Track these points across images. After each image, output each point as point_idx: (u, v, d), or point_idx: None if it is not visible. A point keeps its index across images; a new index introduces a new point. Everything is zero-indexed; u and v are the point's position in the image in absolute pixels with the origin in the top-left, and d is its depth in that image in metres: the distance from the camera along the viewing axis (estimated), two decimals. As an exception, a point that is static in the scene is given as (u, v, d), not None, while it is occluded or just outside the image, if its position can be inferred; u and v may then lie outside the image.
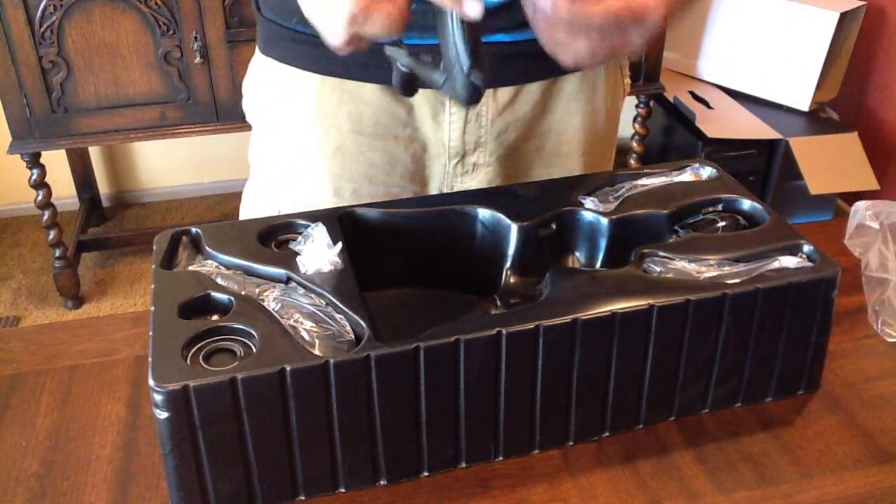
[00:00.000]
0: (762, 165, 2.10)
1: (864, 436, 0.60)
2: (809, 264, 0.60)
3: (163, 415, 0.49)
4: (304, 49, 0.74)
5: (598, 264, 0.66)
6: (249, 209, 0.84)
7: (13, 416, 0.62)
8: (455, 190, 0.79)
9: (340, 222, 0.63)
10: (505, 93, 0.75)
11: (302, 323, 0.53)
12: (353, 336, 0.53)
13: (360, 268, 0.59)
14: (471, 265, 0.67)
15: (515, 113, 0.76)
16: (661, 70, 2.10)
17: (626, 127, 2.20)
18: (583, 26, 0.49)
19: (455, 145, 0.76)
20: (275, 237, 0.62)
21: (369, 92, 0.74)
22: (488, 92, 0.75)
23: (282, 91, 0.77)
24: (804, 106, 2.13)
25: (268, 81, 0.79)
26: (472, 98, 0.52)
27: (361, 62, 0.72)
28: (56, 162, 2.20)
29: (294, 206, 0.75)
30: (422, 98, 0.74)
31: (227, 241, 0.61)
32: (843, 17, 2.03)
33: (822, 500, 0.55)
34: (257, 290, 0.56)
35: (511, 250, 0.65)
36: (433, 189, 0.80)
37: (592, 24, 0.49)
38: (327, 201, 0.77)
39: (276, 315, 0.54)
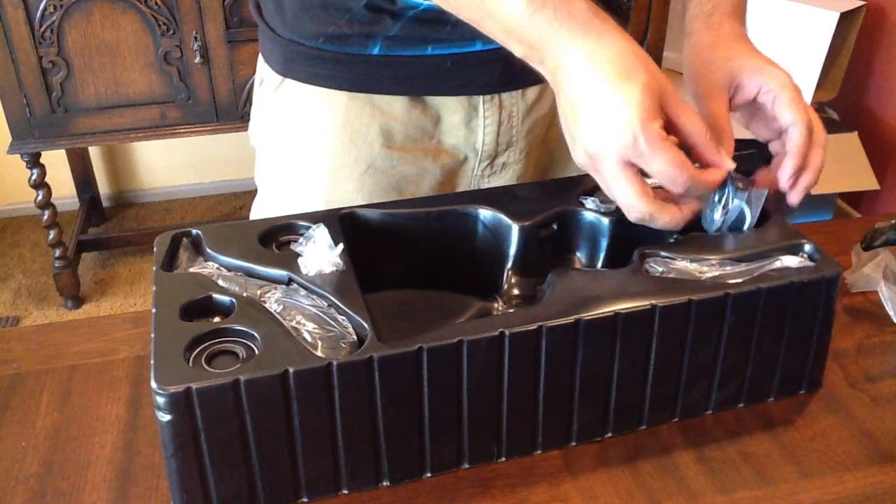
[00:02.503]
0: (762, 165, 2.10)
1: (864, 436, 0.60)
2: (811, 264, 0.60)
3: (165, 417, 0.49)
4: (333, 67, 0.72)
5: (600, 264, 0.66)
6: None
7: (13, 416, 0.62)
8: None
9: (341, 223, 0.63)
10: (533, 91, 0.76)
11: (304, 324, 0.53)
12: (355, 337, 0.53)
13: (362, 269, 0.59)
14: (472, 266, 0.67)
15: (542, 108, 0.77)
16: (661, 70, 2.09)
17: (626, 127, 2.20)
18: None
19: (489, 148, 0.76)
20: (276, 238, 0.62)
21: (399, 105, 0.73)
22: (517, 93, 0.75)
23: (307, 111, 0.75)
24: (804, 106, 2.13)
25: (288, 103, 0.77)
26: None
27: (394, 75, 0.72)
28: (56, 162, 2.20)
29: None
30: (454, 105, 0.74)
31: (227, 243, 0.61)
32: (843, 17, 2.03)
33: (822, 500, 0.55)
34: (259, 292, 0.56)
35: (512, 251, 0.65)
36: None
37: None
38: None
39: (278, 317, 0.54)
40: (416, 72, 0.71)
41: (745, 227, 0.63)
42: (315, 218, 0.63)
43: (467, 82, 0.73)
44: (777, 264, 0.60)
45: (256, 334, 0.52)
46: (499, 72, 0.72)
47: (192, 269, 0.59)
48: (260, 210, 0.82)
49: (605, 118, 0.55)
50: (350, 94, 0.73)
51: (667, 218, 0.57)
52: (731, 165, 0.61)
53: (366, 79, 0.72)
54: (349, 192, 0.75)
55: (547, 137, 0.80)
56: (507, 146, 0.77)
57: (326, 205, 0.75)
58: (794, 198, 0.66)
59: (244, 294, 0.56)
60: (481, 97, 0.74)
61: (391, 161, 0.75)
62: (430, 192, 0.77)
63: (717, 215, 0.62)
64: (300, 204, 0.78)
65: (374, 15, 0.69)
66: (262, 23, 0.77)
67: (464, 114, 0.74)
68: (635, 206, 0.56)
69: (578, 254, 0.67)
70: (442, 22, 0.68)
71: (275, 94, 0.78)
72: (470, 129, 0.75)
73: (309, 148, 0.76)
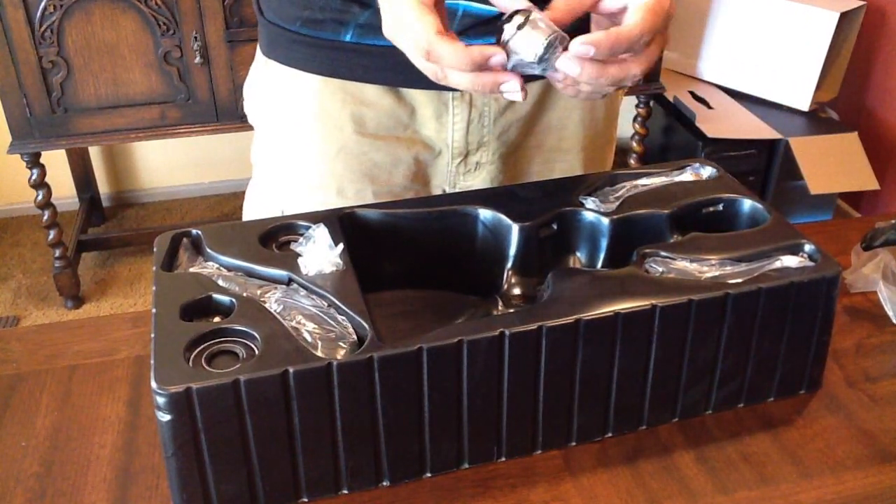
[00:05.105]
0: (762, 165, 2.10)
1: (864, 436, 0.60)
2: (811, 264, 0.60)
3: (165, 417, 0.49)
4: (308, 51, 0.74)
5: (600, 264, 0.66)
6: (252, 210, 0.84)
7: (13, 416, 0.62)
8: (458, 188, 0.79)
9: (341, 223, 0.63)
10: None
11: (304, 324, 0.53)
12: (355, 337, 0.53)
13: (362, 269, 0.59)
14: (472, 266, 0.67)
15: (517, 112, 0.77)
16: (661, 70, 2.10)
17: (626, 127, 2.20)
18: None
19: (458, 145, 0.77)
20: (276, 238, 0.62)
21: (372, 93, 0.74)
22: None
23: (285, 93, 0.77)
24: (804, 106, 2.13)
25: (270, 83, 0.79)
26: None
27: (365, 64, 0.72)
28: (56, 162, 2.20)
29: (298, 206, 0.75)
30: (425, 99, 0.74)
31: (227, 243, 0.61)
32: (843, 17, 2.03)
33: (822, 500, 0.55)
34: (259, 292, 0.56)
35: (512, 251, 0.65)
36: (436, 188, 0.80)
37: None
38: (331, 202, 0.77)
39: (278, 317, 0.54)
40: (387, 62, 0.72)
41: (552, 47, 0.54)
42: (315, 218, 0.63)
43: None
44: (777, 264, 0.60)
45: (256, 334, 0.52)
46: None
47: (192, 269, 0.59)
48: (250, 191, 0.85)
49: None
50: (324, 79, 0.74)
51: (451, 57, 0.53)
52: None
53: (338, 65, 0.73)
54: (321, 174, 0.77)
55: (525, 144, 0.80)
56: (479, 146, 0.77)
57: (297, 184, 0.79)
58: (578, 48, 0.54)
59: (244, 294, 0.56)
60: (451, 94, 0.74)
61: (362, 147, 0.76)
62: (403, 181, 0.78)
63: (525, 55, 0.54)
64: (274, 180, 0.81)
65: (344, 3, 0.70)
66: (255, 5, 0.80)
67: (434, 108, 0.75)
68: (419, 39, 0.54)
69: (578, 254, 0.67)
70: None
71: (261, 73, 0.80)
72: (440, 124, 0.76)
73: (284, 128, 0.78)
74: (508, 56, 0.54)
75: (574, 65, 0.54)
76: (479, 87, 0.55)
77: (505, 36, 0.54)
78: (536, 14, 0.54)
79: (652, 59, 0.58)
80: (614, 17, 0.58)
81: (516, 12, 0.54)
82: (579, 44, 0.54)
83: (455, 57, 0.53)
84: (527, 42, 0.54)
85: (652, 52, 0.57)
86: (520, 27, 0.54)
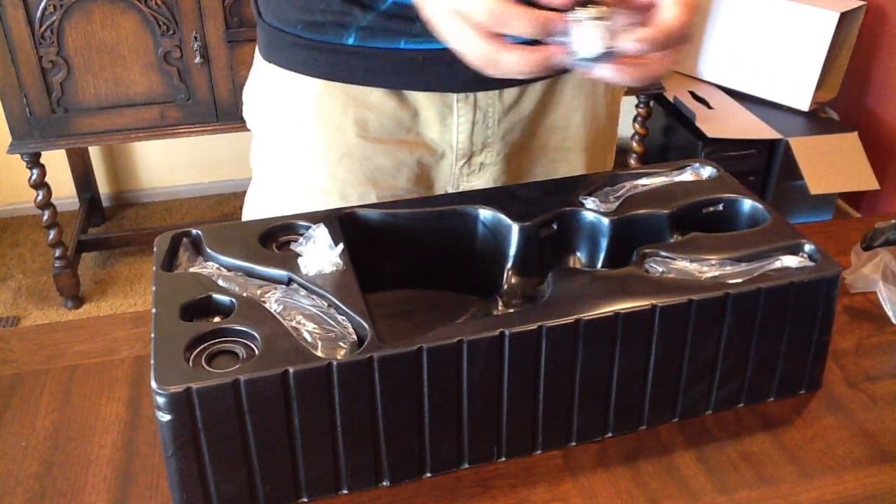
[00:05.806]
0: (762, 165, 2.10)
1: (864, 436, 0.60)
2: (811, 264, 0.60)
3: (165, 417, 0.49)
4: (309, 54, 0.73)
5: (600, 264, 0.66)
6: (252, 215, 0.84)
7: (13, 416, 0.62)
8: (461, 190, 0.79)
9: (341, 223, 0.63)
10: (510, 93, 0.76)
11: (304, 324, 0.53)
12: (355, 337, 0.53)
13: (362, 269, 0.59)
14: (472, 266, 0.67)
15: (521, 112, 0.77)
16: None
17: (626, 127, 2.20)
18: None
19: (463, 147, 0.76)
20: (276, 238, 0.62)
21: (374, 96, 0.74)
22: (494, 93, 0.75)
23: (286, 97, 0.77)
24: (804, 106, 2.13)
25: (271, 88, 0.79)
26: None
27: (367, 67, 0.72)
28: (56, 162, 2.20)
29: (300, 210, 0.75)
30: (428, 101, 0.74)
31: (227, 243, 0.61)
32: (843, 17, 2.03)
33: (822, 500, 0.55)
34: (259, 292, 0.56)
35: (512, 251, 0.65)
36: (439, 191, 0.80)
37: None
38: (334, 206, 0.76)
39: (278, 317, 0.54)
40: (389, 65, 0.72)
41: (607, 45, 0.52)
42: (315, 218, 0.63)
43: (440, 79, 0.72)
44: (777, 264, 0.60)
45: (256, 334, 0.52)
46: (473, 70, 0.72)
47: (192, 269, 0.59)
48: (250, 195, 0.84)
49: None
50: (325, 83, 0.74)
51: (513, 58, 0.51)
52: None
53: (340, 68, 0.73)
54: (324, 179, 0.76)
55: (529, 144, 0.80)
56: (483, 147, 0.77)
57: (299, 188, 0.78)
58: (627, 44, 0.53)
59: (244, 294, 0.56)
60: (455, 95, 0.74)
61: (365, 151, 0.75)
62: (407, 185, 0.77)
63: (577, 45, 0.52)
64: (275, 184, 0.81)
65: (345, 5, 0.70)
66: (254, 7, 0.79)
67: (438, 110, 0.75)
68: (469, 43, 0.52)
69: (578, 254, 0.67)
70: (412, 18, 0.68)
71: (261, 76, 0.80)
72: (445, 126, 0.75)
73: (285, 133, 0.78)
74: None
75: (623, 75, 0.53)
76: (534, 67, 0.52)
77: (572, 15, 0.51)
78: (613, 18, 0.51)
79: (680, 54, 0.56)
80: (642, 14, 0.55)
81: (597, 4, 0.51)
82: (633, 41, 0.51)
83: (524, 20, 0.50)
84: (587, 37, 0.51)
85: (684, 48, 0.56)
86: (590, 18, 0.51)
